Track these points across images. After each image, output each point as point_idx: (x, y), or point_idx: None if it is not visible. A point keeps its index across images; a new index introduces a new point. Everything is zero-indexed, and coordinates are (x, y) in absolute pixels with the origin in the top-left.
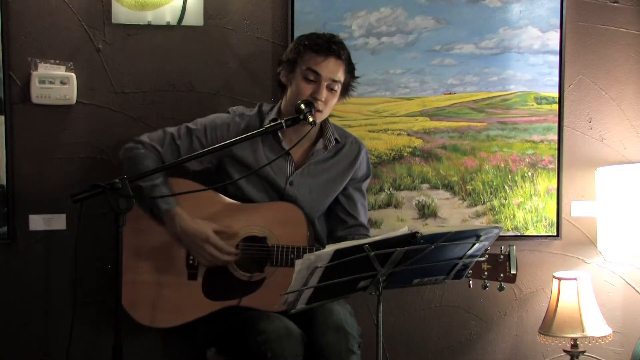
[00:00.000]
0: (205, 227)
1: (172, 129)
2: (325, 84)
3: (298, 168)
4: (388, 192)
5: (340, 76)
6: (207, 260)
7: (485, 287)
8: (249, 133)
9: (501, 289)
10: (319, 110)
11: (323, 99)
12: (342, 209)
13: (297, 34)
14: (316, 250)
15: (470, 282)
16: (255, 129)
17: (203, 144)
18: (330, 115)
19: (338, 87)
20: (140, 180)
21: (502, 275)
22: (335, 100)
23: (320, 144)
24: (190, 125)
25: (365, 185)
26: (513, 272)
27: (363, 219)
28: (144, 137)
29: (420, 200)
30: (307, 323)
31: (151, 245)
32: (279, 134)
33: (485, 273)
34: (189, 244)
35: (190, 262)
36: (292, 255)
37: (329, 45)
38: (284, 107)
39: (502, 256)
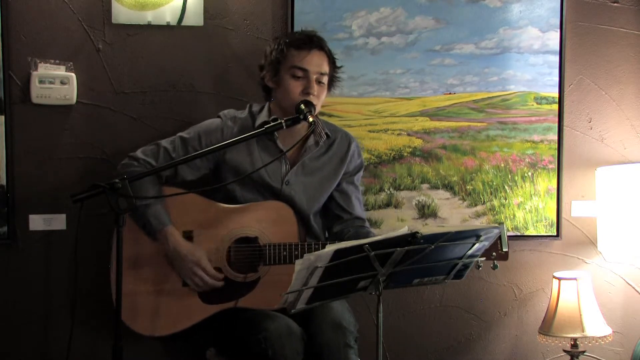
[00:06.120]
0: (198, 251)
1: (165, 143)
2: (314, 77)
3: (293, 166)
4: (388, 192)
5: (326, 68)
6: (195, 283)
7: (478, 266)
8: (247, 134)
9: (495, 267)
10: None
11: (315, 93)
12: (336, 205)
13: None
14: (308, 245)
15: None
16: (249, 131)
17: (198, 151)
18: (331, 115)
19: (325, 80)
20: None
21: (494, 253)
22: (325, 93)
23: (311, 140)
24: (184, 134)
25: (358, 177)
26: (505, 249)
27: (359, 211)
28: (139, 153)
29: (420, 200)
30: (305, 320)
31: (145, 255)
32: (275, 134)
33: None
34: (180, 265)
35: None
36: (284, 253)
37: (311, 39)
38: (273, 109)
39: None
